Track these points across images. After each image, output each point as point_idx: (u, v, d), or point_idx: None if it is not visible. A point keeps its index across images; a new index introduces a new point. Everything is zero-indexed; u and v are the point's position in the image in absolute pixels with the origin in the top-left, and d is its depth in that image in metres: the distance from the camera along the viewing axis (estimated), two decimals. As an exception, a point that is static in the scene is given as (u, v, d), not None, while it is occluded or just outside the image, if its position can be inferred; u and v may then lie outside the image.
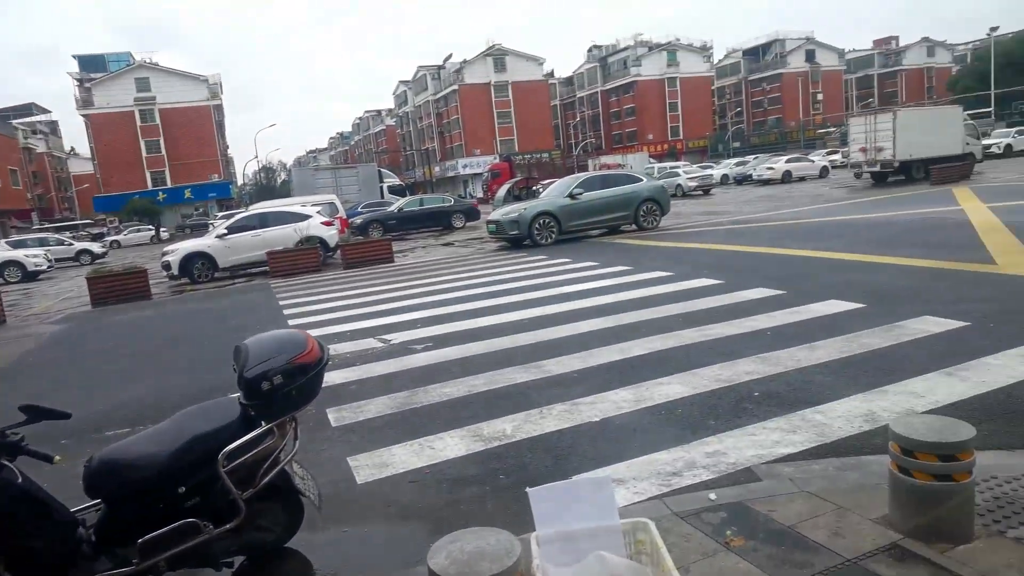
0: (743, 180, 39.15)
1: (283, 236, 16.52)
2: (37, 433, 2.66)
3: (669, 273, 9.82)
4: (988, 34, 66.00)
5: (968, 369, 4.69)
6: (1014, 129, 41.52)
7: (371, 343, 7.37)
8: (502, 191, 30.00)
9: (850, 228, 13.43)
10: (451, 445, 4.28)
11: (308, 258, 16.12)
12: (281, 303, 11.28)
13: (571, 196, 16.24)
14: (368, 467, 4.08)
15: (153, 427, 2.94)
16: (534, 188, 29.78)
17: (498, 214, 17.22)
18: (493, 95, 76.40)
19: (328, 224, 17.60)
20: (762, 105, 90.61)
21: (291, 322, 9.19)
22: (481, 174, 61.41)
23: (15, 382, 7.67)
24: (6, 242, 29.44)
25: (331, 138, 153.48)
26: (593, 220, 16.52)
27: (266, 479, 2.81)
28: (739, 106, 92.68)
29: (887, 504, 2.85)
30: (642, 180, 17.69)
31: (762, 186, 34.81)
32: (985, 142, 35.09)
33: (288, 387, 2.74)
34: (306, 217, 17.19)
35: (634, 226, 16.94)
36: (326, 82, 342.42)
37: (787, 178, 35.47)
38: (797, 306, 6.95)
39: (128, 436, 2.90)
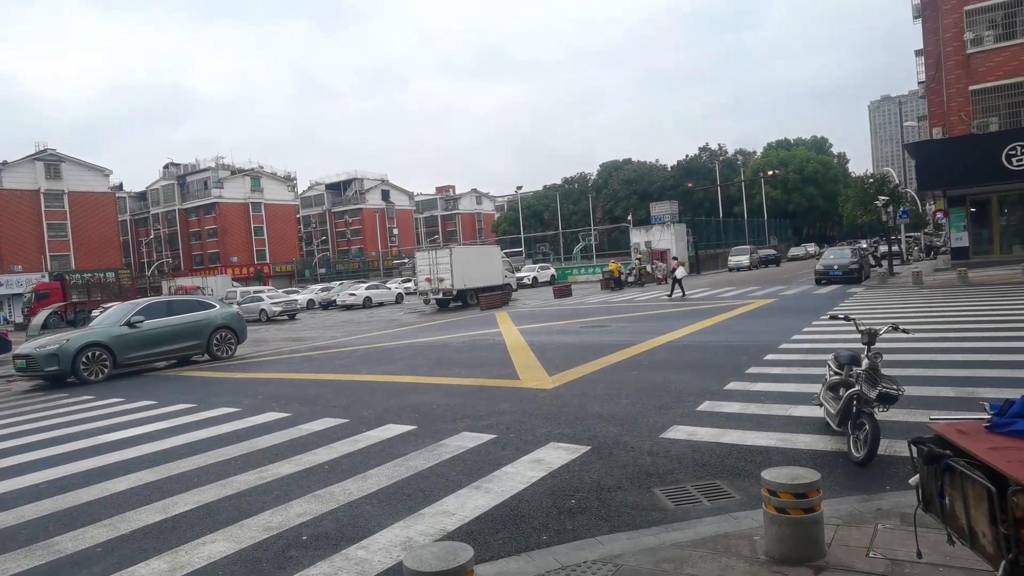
0: (328, 305, 40.41)
1: None
2: None
3: (236, 409, 9.24)
4: (515, 191, 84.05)
5: (491, 480, 5.38)
6: (538, 265, 52.68)
7: None
8: (40, 317, 25.12)
9: (413, 351, 14.77)
10: None
11: None
12: None
13: (129, 324, 14.40)
14: None
15: None
16: (91, 312, 25.71)
17: (31, 346, 14.27)
18: (43, 204, 65.10)
19: None
20: (345, 235, 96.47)
21: None
22: (23, 295, 50.64)
23: None
24: None
25: None
26: (157, 351, 14.84)
27: None
28: (324, 235, 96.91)
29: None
30: (215, 307, 16.71)
31: (346, 311, 36.41)
32: (518, 275, 43.68)
33: None
34: None
35: (207, 356, 15.76)
36: None
37: (368, 303, 37.96)
38: (357, 434, 7.17)
39: None
